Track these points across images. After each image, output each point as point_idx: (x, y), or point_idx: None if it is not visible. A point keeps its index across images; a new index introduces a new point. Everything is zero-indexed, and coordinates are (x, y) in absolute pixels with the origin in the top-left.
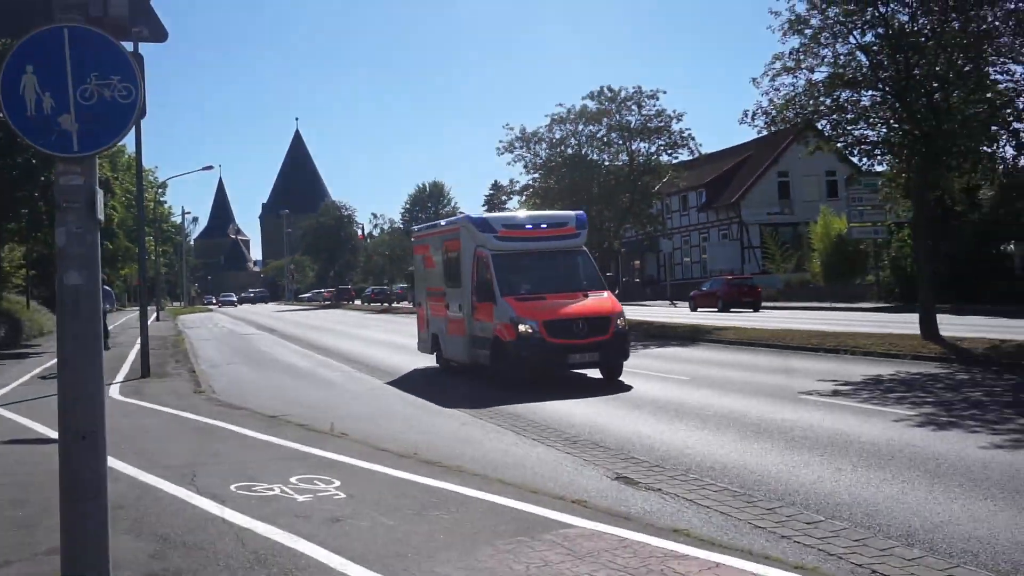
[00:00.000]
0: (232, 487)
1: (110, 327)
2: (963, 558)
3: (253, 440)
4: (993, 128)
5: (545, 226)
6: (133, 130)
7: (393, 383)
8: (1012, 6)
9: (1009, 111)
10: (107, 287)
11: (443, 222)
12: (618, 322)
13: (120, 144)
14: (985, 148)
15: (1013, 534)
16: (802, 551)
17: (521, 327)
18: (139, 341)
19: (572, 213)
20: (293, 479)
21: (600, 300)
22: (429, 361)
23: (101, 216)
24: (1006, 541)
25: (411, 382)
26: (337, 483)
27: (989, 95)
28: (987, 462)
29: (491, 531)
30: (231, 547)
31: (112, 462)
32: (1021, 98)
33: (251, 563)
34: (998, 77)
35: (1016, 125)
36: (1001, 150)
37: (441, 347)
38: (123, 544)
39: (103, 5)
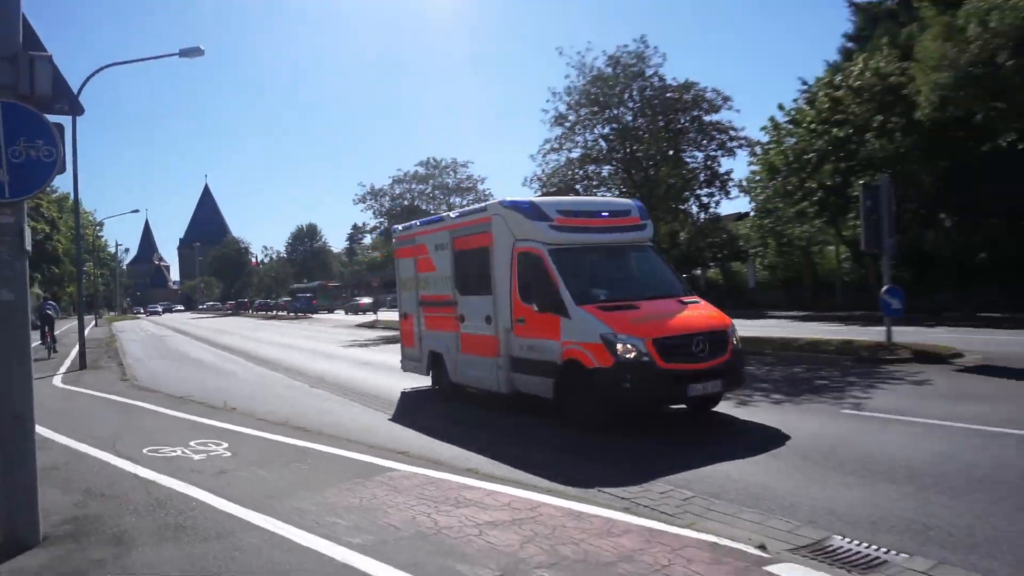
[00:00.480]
0: (144, 450)
1: (57, 332)
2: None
3: (163, 415)
4: (685, 193)
5: (607, 214)
6: (72, 181)
7: (281, 374)
8: (695, 114)
9: (694, 182)
10: (52, 301)
11: (453, 213)
12: (734, 338)
13: (65, 192)
14: (681, 207)
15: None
16: (553, 480)
17: (620, 347)
18: (79, 342)
19: (630, 200)
20: (192, 443)
21: (706, 309)
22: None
23: (29, 247)
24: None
25: (313, 379)
26: (226, 445)
27: (683, 172)
28: (681, 419)
29: (337, 476)
30: (139, 496)
31: (50, 434)
32: (702, 174)
33: (154, 507)
34: (688, 160)
35: (699, 192)
36: (690, 208)
37: (448, 368)
38: (54, 497)
39: (30, 85)
